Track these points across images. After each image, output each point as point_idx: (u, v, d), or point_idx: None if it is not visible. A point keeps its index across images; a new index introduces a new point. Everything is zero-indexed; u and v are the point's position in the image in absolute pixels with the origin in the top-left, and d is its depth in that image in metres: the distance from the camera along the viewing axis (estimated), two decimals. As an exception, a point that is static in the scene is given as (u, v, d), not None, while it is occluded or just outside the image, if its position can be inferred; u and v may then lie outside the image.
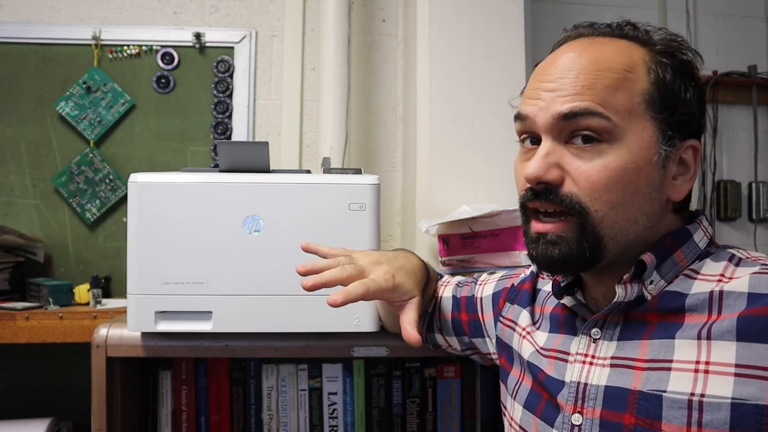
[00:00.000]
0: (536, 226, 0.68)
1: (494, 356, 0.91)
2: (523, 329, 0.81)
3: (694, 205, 2.13)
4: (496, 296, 0.91)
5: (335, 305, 0.69)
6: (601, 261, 0.66)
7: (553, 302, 0.78)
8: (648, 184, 0.64)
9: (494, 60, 1.52)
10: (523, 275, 0.90)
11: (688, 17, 1.98)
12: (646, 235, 0.66)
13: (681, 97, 0.65)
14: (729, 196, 2.00)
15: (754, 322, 0.56)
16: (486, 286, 0.94)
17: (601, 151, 0.63)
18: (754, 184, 2.04)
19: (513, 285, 0.89)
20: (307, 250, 0.82)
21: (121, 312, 1.23)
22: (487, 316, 0.91)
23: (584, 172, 0.63)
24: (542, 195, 0.66)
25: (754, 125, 2.05)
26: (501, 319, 0.88)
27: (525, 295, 0.85)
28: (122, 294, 1.51)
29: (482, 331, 0.92)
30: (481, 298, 0.93)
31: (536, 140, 0.68)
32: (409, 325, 0.76)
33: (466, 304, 0.95)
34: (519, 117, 0.69)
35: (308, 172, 1.08)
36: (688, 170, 0.67)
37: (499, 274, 0.96)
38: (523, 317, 0.82)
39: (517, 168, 0.72)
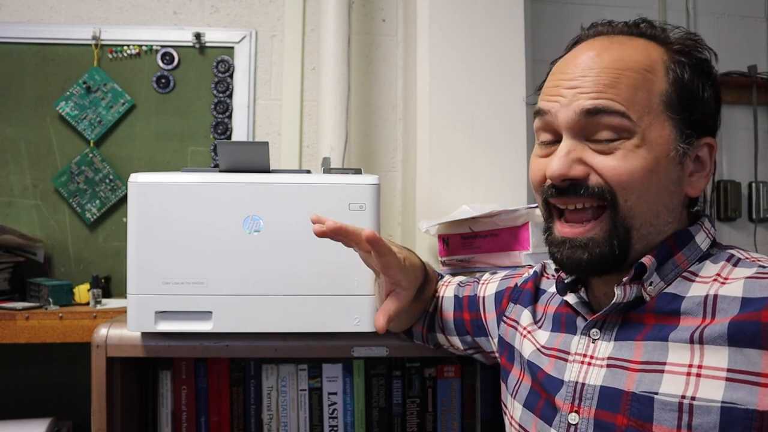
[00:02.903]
0: (563, 230, 0.68)
1: (497, 355, 0.91)
2: (525, 328, 0.81)
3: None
4: (498, 295, 0.91)
5: (332, 227, 0.73)
6: (628, 258, 0.66)
7: (556, 302, 0.78)
8: (668, 177, 0.65)
9: (494, 60, 1.52)
10: (526, 275, 0.90)
11: (688, 17, 1.98)
12: (666, 231, 0.67)
13: (699, 96, 0.65)
14: (729, 196, 2.01)
15: (746, 328, 0.56)
16: (489, 285, 0.94)
17: (624, 149, 0.64)
18: (754, 184, 2.04)
19: (516, 285, 0.90)
20: (316, 221, 0.79)
21: (121, 312, 1.23)
22: (490, 315, 0.91)
23: (612, 167, 0.64)
24: (569, 191, 0.66)
25: (754, 125, 2.05)
26: (504, 318, 0.88)
27: (527, 294, 0.85)
28: (122, 294, 1.51)
29: (485, 330, 0.92)
30: (484, 297, 0.93)
31: (553, 138, 0.68)
32: (385, 312, 0.79)
33: (469, 304, 0.95)
34: (539, 112, 0.69)
35: (308, 172, 1.08)
36: (704, 167, 0.68)
37: (502, 273, 0.97)
38: (525, 316, 0.83)
39: (533, 163, 0.72)
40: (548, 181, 0.68)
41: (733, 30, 2.05)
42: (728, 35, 2.04)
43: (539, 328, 0.79)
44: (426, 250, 1.50)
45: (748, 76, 2.01)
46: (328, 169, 1.09)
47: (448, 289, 0.99)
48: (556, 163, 0.65)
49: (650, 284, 0.66)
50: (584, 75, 0.65)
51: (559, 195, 0.67)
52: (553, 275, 0.81)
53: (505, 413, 0.83)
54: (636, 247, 0.66)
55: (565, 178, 0.65)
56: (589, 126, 0.65)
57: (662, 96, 0.64)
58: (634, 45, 0.67)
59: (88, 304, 1.49)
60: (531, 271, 0.89)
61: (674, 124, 0.65)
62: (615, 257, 0.65)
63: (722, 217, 2.02)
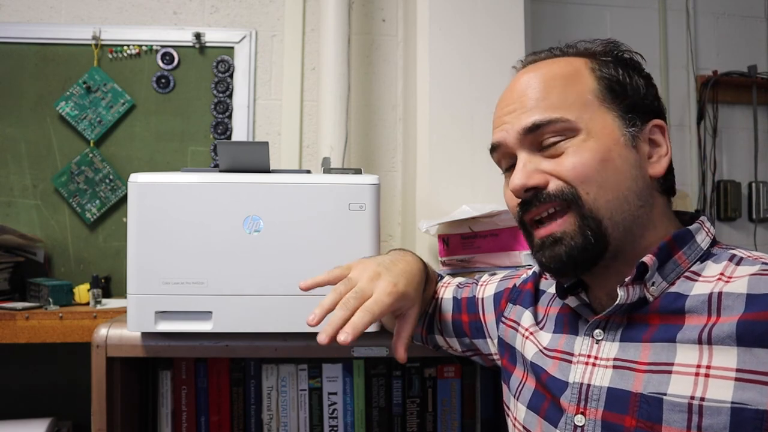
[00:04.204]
0: (539, 233, 0.70)
1: (495, 357, 0.91)
2: (526, 329, 0.81)
3: (693, 205, 2.12)
4: (497, 297, 0.91)
5: (347, 343, 0.70)
6: (608, 247, 0.67)
7: (558, 303, 0.78)
8: (624, 162, 0.67)
9: (494, 60, 1.52)
10: (525, 276, 0.90)
11: (688, 17, 1.98)
12: (642, 216, 0.68)
13: (629, 83, 0.70)
14: (729, 196, 2.01)
15: (754, 327, 0.56)
16: (487, 287, 0.94)
17: (573, 145, 0.67)
18: (754, 184, 2.04)
19: (515, 285, 0.89)
20: (307, 289, 0.79)
21: (121, 312, 1.23)
22: (489, 317, 0.91)
23: (564, 167, 0.67)
24: (532, 202, 0.69)
25: (754, 125, 2.05)
26: (503, 319, 0.88)
27: (527, 295, 0.85)
28: (122, 294, 1.51)
29: (483, 332, 0.92)
30: (483, 299, 0.93)
31: (513, 162, 0.72)
32: (400, 340, 0.78)
33: (467, 305, 0.94)
34: (493, 148, 0.75)
35: (308, 172, 1.08)
36: (660, 147, 0.71)
37: (501, 274, 0.96)
38: (526, 318, 0.82)
39: (506, 194, 0.76)
40: (517, 201, 0.71)
41: (733, 30, 2.05)
42: (728, 35, 2.05)
43: (541, 329, 0.79)
44: (426, 250, 1.50)
45: (748, 76, 2.01)
46: (328, 169, 1.09)
47: (447, 290, 0.99)
48: (516, 176, 0.69)
49: (653, 284, 0.66)
50: (519, 98, 0.71)
51: (527, 208, 0.70)
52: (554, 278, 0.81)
53: (508, 415, 0.83)
54: (615, 235, 0.67)
55: (527, 188, 0.69)
56: (536, 139, 0.69)
57: (593, 92, 0.69)
58: (558, 61, 0.73)
59: (88, 304, 1.49)
60: (530, 272, 0.89)
61: (615, 114, 0.68)
62: (593, 246, 0.66)
63: (722, 217, 2.02)
